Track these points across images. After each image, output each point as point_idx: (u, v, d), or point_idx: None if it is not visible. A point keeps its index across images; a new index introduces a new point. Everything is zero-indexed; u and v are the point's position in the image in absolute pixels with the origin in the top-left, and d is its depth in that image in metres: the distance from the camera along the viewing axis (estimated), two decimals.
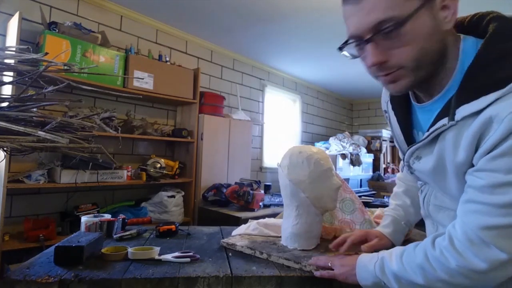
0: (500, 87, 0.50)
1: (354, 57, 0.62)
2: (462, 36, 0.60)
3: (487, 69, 0.53)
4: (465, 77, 0.55)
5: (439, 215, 0.69)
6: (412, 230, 1.32)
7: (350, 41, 0.59)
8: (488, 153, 0.51)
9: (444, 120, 0.57)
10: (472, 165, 0.55)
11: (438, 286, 0.58)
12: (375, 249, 0.89)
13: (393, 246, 0.94)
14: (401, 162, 1.02)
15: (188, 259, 0.93)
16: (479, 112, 0.52)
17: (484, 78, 0.53)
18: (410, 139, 0.72)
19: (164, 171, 2.73)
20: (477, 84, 0.53)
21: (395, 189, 1.03)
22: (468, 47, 0.59)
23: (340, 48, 0.62)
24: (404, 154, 0.71)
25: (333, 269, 0.81)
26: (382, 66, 0.57)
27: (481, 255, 0.53)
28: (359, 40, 0.57)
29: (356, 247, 0.93)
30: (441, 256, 0.58)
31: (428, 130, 0.61)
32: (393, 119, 0.74)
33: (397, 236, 0.96)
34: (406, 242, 1.23)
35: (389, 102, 0.76)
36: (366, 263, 0.71)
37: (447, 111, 0.57)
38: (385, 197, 3.21)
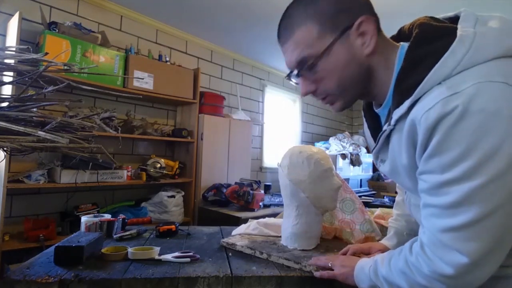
0: (411, 93, 0.54)
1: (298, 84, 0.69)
2: (401, 44, 0.63)
3: (409, 74, 0.56)
4: (394, 85, 0.59)
5: (418, 215, 0.70)
6: None
7: (289, 73, 0.67)
8: (422, 155, 0.53)
9: (386, 125, 0.61)
10: (415, 166, 0.57)
11: None
12: None
13: None
14: None
15: (188, 259, 0.93)
16: (406, 115, 0.55)
17: (406, 82, 0.56)
18: None
19: (164, 171, 2.73)
20: (402, 88, 0.57)
21: (396, 197, 1.03)
22: (403, 54, 0.61)
23: (288, 77, 0.69)
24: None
25: (333, 270, 0.81)
26: (314, 94, 0.65)
27: (445, 259, 0.53)
28: (293, 74, 0.65)
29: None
30: (416, 261, 0.58)
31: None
32: (365, 124, 0.78)
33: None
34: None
35: (362, 108, 0.80)
36: (363, 266, 0.72)
37: (389, 116, 0.61)
38: (385, 197, 3.21)
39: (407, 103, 0.55)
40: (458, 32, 0.53)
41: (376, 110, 0.71)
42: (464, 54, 0.50)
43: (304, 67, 0.61)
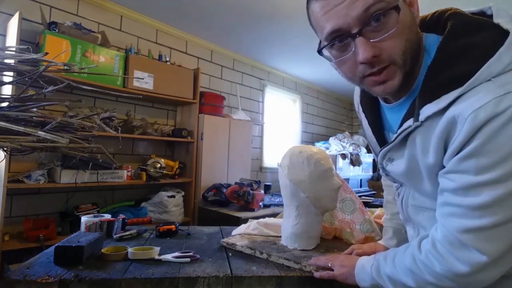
0: (460, 84, 0.49)
1: (330, 60, 0.59)
2: (424, 34, 0.60)
3: (446, 67, 0.52)
4: (426, 76, 0.54)
5: (418, 217, 0.68)
6: None
7: (331, 41, 0.54)
8: (456, 154, 0.50)
9: (410, 121, 0.56)
10: (443, 167, 0.54)
11: None
12: None
13: None
14: None
15: (188, 259, 0.93)
16: (443, 112, 0.51)
17: (444, 75, 0.51)
18: (382, 141, 0.71)
19: (164, 171, 2.73)
20: (437, 82, 0.52)
21: (384, 195, 1.01)
22: (430, 45, 0.58)
23: (320, 51, 0.58)
24: (377, 156, 0.70)
25: (333, 270, 0.81)
26: (374, 61, 0.53)
27: (462, 258, 0.52)
28: (345, 36, 0.53)
29: None
30: (426, 259, 0.57)
31: (396, 132, 0.60)
32: (364, 121, 0.73)
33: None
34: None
35: (359, 105, 0.76)
36: (364, 265, 0.71)
37: (412, 111, 0.56)
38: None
39: (447, 99, 0.50)
40: (505, 26, 0.50)
41: (386, 104, 0.66)
42: None
43: (373, 19, 0.50)
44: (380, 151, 0.66)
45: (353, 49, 0.53)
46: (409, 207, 0.70)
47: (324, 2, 0.53)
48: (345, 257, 0.86)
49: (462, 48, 0.51)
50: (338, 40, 0.54)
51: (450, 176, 0.52)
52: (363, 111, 0.74)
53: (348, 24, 0.52)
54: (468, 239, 0.51)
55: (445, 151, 0.52)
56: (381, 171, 0.71)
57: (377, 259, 0.69)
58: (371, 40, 0.52)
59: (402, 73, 0.55)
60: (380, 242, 1.00)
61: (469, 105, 0.48)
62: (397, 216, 0.94)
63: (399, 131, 0.58)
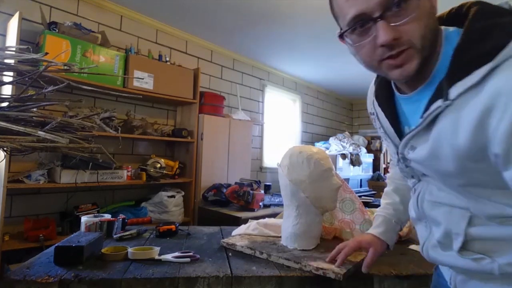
0: (491, 57, 0.49)
1: (352, 44, 0.60)
2: (443, 27, 0.61)
3: (475, 44, 0.52)
4: (454, 57, 0.54)
5: (433, 211, 0.67)
6: (412, 230, 1.32)
7: (353, 25, 0.56)
8: (509, 129, 0.46)
9: (439, 102, 0.55)
10: (481, 150, 0.51)
11: None
12: (375, 261, 0.89)
13: (387, 246, 0.94)
14: (391, 161, 0.98)
15: (188, 259, 0.93)
16: (476, 87, 0.50)
17: (473, 52, 0.51)
18: (399, 134, 0.70)
19: (164, 171, 2.73)
20: (467, 59, 0.52)
21: (385, 189, 1.01)
22: (451, 34, 0.59)
23: (342, 36, 0.60)
24: (397, 147, 0.69)
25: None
26: (393, 44, 0.54)
27: None
28: (366, 21, 0.55)
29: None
30: None
31: (422, 116, 0.58)
32: (381, 114, 0.72)
33: (389, 234, 0.94)
34: (405, 242, 1.24)
35: (374, 100, 0.75)
36: None
37: (439, 93, 0.55)
38: None
39: (479, 73, 0.49)
40: None
41: (402, 95, 0.66)
42: None
43: (395, 5, 0.52)
44: (402, 140, 0.65)
45: (373, 33, 0.55)
46: (425, 202, 0.69)
47: None
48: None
49: (490, 27, 0.51)
50: (359, 25, 0.56)
51: None
52: (379, 105, 0.73)
53: (370, 8, 0.54)
54: None
55: (484, 128, 0.49)
56: (399, 164, 0.70)
57: None
58: (392, 24, 0.53)
59: (420, 57, 0.56)
60: (367, 231, 0.98)
61: (509, 77, 0.47)
62: (390, 206, 0.96)
63: (425, 114, 0.57)
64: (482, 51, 0.50)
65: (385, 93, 0.72)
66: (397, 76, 0.58)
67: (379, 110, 0.73)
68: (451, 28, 0.60)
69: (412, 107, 0.65)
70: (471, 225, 0.58)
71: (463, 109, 0.52)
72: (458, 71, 0.52)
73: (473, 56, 0.51)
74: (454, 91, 0.52)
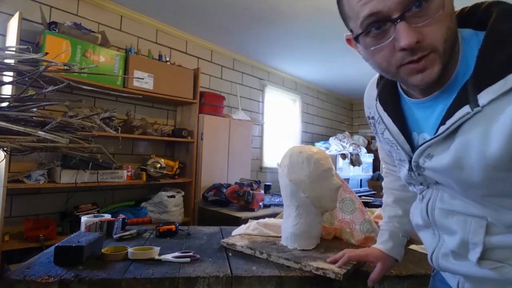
0: None
1: (367, 48, 0.55)
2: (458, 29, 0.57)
3: (504, 47, 0.48)
4: (480, 60, 0.50)
5: (447, 221, 0.62)
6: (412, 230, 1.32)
7: (369, 27, 0.52)
8: None
9: (466, 108, 0.50)
10: None
11: None
12: (381, 276, 0.86)
13: (396, 262, 0.91)
14: (385, 167, 0.95)
15: (188, 259, 0.93)
16: (509, 94, 0.46)
17: (502, 55, 0.48)
18: (408, 140, 0.65)
19: (164, 171, 2.73)
20: (495, 63, 0.48)
21: (384, 199, 0.96)
22: (468, 36, 0.55)
23: (356, 38, 0.55)
24: (407, 154, 0.64)
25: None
26: (415, 48, 0.50)
27: None
28: (383, 22, 0.50)
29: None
30: None
31: (443, 124, 0.54)
32: (388, 119, 0.67)
33: (397, 249, 0.90)
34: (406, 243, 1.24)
35: (377, 105, 0.70)
36: None
37: (464, 99, 0.51)
38: None
39: None
40: None
41: (413, 100, 0.62)
42: None
43: (416, 5, 0.48)
44: (417, 147, 0.61)
45: (392, 36, 0.51)
46: (436, 210, 0.65)
47: None
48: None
49: None
50: (375, 27, 0.51)
51: None
52: (385, 110, 0.68)
53: (388, 8, 0.49)
54: None
55: None
56: (406, 172, 0.66)
57: None
58: (413, 26, 0.49)
59: (442, 62, 0.51)
60: (374, 246, 0.94)
61: None
62: (394, 220, 0.91)
63: (450, 121, 0.53)
64: (509, 54, 0.47)
65: (390, 97, 0.67)
66: (418, 82, 0.54)
67: (384, 115, 0.68)
68: (467, 30, 0.56)
69: (425, 113, 0.61)
70: (489, 234, 0.56)
71: (496, 116, 0.48)
72: (487, 76, 0.49)
73: (502, 59, 0.48)
74: (485, 97, 0.48)
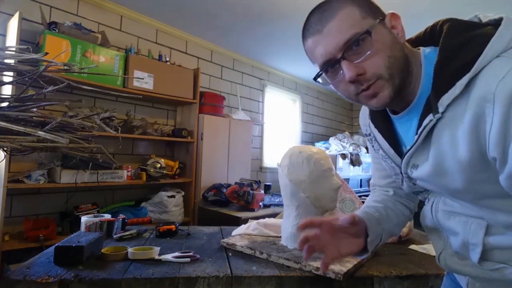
0: (470, 67, 0.51)
1: (327, 84, 0.65)
2: (421, 48, 0.64)
3: (453, 59, 0.54)
4: (435, 73, 0.56)
5: (449, 222, 0.65)
6: (413, 230, 1.32)
7: (324, 67, 0.62)
8: (503, 132, 0.47)
9: (430, 116, 0.56)
10: (482, 158, 0.51)
11: None
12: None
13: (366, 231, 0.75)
14: (372, 181, 0.95)
15: (188, 259, 0.93)
16: (463, 98, 0.51)
17: (452, 66, 0.54)
18: (399, 154, 0.69)
19: (164, 171, 2.73)
20: (447, 73, 0.54)
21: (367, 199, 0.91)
22: (429, 54, 0.61)
23: (315, 78, 0.65)
24: (399, 167, 0.68)
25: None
26: (361, 79, 0.58)
27: None
28: (332, 63, 0.60)
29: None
30: None
31: (416, 133, 0.60)
32: (379, 136, 0.73)
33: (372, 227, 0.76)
34: (405, 242, 1.24)
35: (370, 123, 0.76)
36: None
37: (429, 109, 0.57)
38: None
39: (463, 82, 0.51)
40: (495, 20, 0.55)
41: (395, 116, 0.67)
42: None
43: (353, 45, 0.57)
44: (403, 159, 0.65)
45: (341, 71, 0.60)
46: (439, 212, 0.68)
47: (313, 38, 0.61)
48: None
49: (463, 41, 0.54)
50: (330, 66, 0.61)
51: None
52: (376, 127, 0.74)
53: (333, 53, 0.59)
54: None
55: (479, 136, 0.50)
56: (405, 184, 0.70)
57: None
58: (355, 62, 0.58)
59: (391, 85, 0.59)
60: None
61: (491, 79, 0.49)
62: (373, 208, 0.81)
63: (419, 130, 0.58)
64: (460, 63, 0.53)
65: (380, 115, 0.73)
66: (375, 105, 0.62)
67: (376, 132, 0.74)
68: (428, 49, 0.63)
69: (404, 127, 0.67)
70: (489, 235, 0.57)
71: (456, 122, 0.53)
72: (441, 85, 0.55)
73: (452, 69, 0.54)
74: (442, 104, 0.54)
